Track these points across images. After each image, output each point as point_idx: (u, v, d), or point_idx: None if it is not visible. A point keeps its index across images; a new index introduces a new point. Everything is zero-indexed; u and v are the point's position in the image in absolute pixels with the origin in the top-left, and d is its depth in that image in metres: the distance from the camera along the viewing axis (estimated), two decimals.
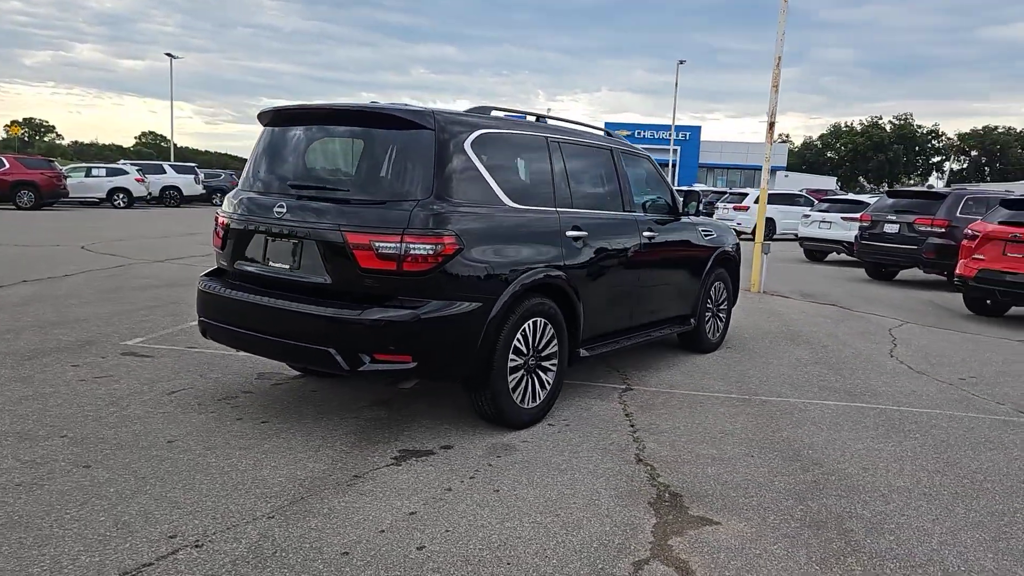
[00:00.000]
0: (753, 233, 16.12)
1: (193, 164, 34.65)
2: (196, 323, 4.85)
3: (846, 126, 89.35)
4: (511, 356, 4.39)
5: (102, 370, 5.46)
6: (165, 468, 3.77)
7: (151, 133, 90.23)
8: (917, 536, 3.42)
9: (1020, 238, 9.16)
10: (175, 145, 49.26)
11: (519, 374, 4.50)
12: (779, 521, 3.51)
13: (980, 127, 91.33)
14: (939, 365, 6.99)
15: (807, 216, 17.51)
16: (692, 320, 6.59)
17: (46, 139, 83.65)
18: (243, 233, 4.47)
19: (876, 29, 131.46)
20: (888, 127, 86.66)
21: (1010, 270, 9.22)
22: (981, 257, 9.58)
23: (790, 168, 66.93)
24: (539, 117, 5.15)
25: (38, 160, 26.36)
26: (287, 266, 4.24)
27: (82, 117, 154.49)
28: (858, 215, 16.12)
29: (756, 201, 15.72)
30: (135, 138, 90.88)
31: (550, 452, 4.26)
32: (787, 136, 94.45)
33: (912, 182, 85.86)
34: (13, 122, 66.81)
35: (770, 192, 15.67)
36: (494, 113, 4.71)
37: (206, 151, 76.75)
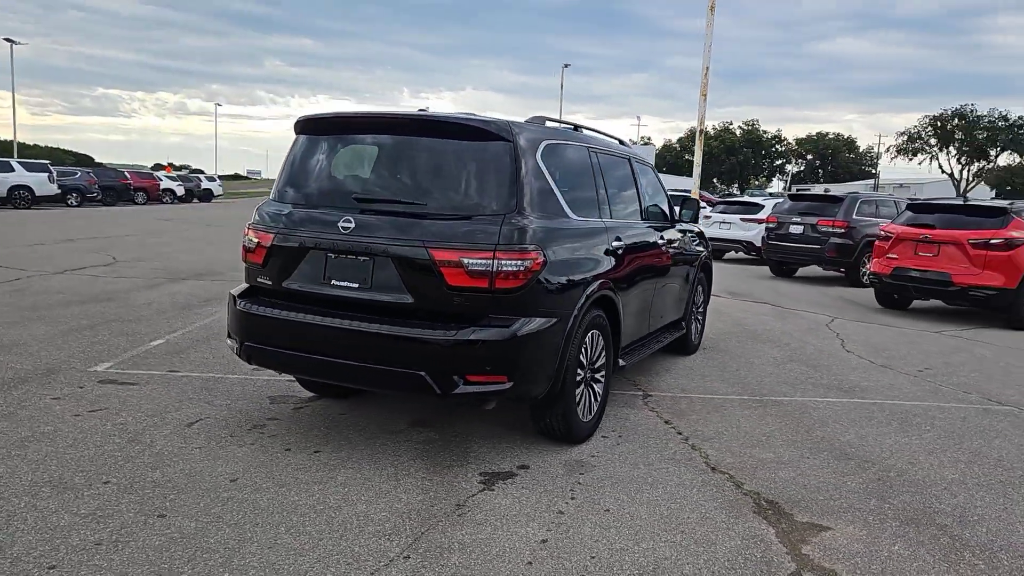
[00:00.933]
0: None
1: (46, 161, 31.53)
2: (156, 342, 4.43)
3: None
4: (576, 370, 4.33)
5: (90, 402, 4.87)
6: (250, 510, 3.42)
7: None
8: (1004, 526, 3.68)
9: (930, 239, 10.06)
10: (16, 141, 44.67)
11: (581, 388, 4.44)
12: (878, 521, 3.67)
13: (815, 133, 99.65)
14: (893, 358, 7.55)
15: (708, 217, 18.41)
16: (683, 324, 6.77)
17: None
18: (295, 250, 4.12)
19: (718, 40, 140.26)
20: (738, 132, 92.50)
21: (921, 267, 10.11)
22: (895, 256, 10.45)
23: (656, 169, 69.92)
24: (576, 127, 5.10)
25: None
26: (356, 285, 3.96)
27: None
28: (755, 216, 17.14)
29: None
30: None
31: (624, 465, 4.23)
32: (649, 139, 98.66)
33: (758, 183, 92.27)
34: None
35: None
36: (548, 123, 4.62)
37: (34, 145, 68.92)
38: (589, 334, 4.45)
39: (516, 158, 3.98)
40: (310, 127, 4.40)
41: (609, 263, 4.71)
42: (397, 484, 3.81)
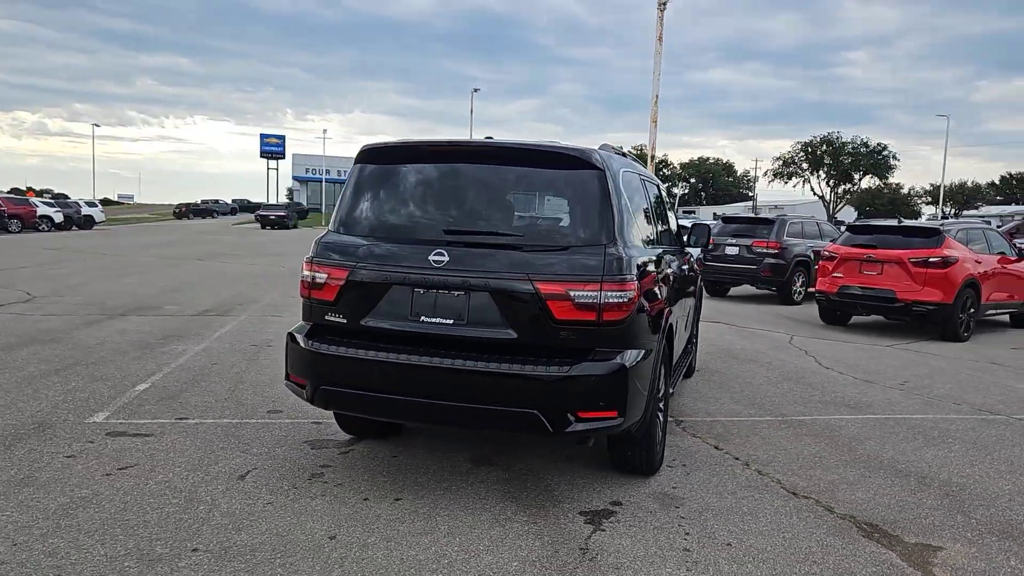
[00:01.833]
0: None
1: None
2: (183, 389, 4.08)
3: None
4: (658, 401, 4.27)
5: (113, 459, 4.38)
6: (374, 570, 3.14)
7: None
8: None
9: (874, 258, 10.68)
10: None
11: (661, 419, 4.38)
12: (977, 537, 3.78)
13: (696, 158, 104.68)
14: (870, 373, 7.91)
15: None
16: (690, 347, 6.84)
17: None
18: (377, 286, 3.85)
19: (601, 68, 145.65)
20: (630, 156, 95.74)
21: (866, 285, 10.70)
22: (840, 275, 11.01)
23: None
24: (623, 154, 5.08)
25: None
26: (450, 321, 3.73)
27: None
28: None
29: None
30: None
31: (712, 496, 4.19)
32: None
33: None
34: None
35: None
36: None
37: None
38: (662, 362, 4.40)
39: (607, 187, 3.89)
40: (375, 156, 4.15)
41: (665, 290, 4.69)
42: (505, 530, 3.61)
